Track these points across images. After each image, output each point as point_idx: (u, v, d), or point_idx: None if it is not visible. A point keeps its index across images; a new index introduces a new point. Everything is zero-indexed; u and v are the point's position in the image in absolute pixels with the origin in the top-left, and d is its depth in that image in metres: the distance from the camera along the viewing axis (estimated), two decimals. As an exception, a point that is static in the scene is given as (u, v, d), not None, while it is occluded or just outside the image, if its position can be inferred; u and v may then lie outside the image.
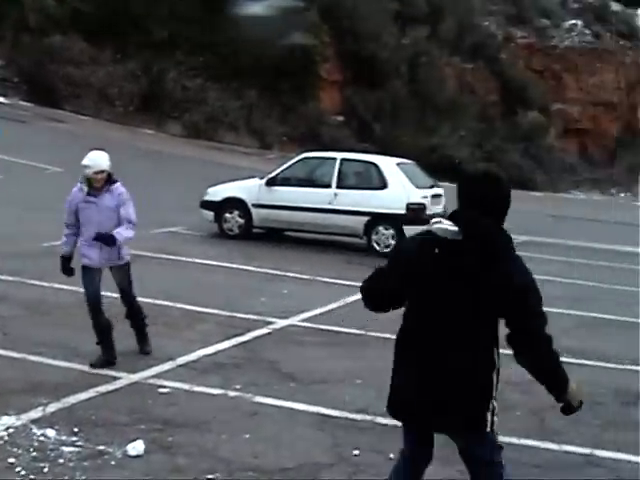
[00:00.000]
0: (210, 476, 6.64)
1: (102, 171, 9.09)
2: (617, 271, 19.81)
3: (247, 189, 19.23)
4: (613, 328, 13.26)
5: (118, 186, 9.26)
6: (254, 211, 18.91)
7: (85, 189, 9.15)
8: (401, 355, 5.07)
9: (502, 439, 7.61)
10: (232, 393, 8.63)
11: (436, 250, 4.88)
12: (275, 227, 19.33)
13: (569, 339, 11.86)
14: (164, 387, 8.67)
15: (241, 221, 18.98)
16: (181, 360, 9.59)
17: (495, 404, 4.98)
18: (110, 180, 9.22)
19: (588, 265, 20.36)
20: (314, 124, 43.38)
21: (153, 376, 9.01)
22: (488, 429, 4.99)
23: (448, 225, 4.86)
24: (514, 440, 7.72)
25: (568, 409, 5.06)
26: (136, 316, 9.83)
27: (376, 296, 5.19)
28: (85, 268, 9.33)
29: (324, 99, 46.96)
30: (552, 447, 7.71)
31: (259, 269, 15.49)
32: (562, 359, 4.71)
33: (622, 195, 62.02)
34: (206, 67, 41.04)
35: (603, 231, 30.02)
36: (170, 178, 27.37)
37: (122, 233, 9.05)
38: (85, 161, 9.11)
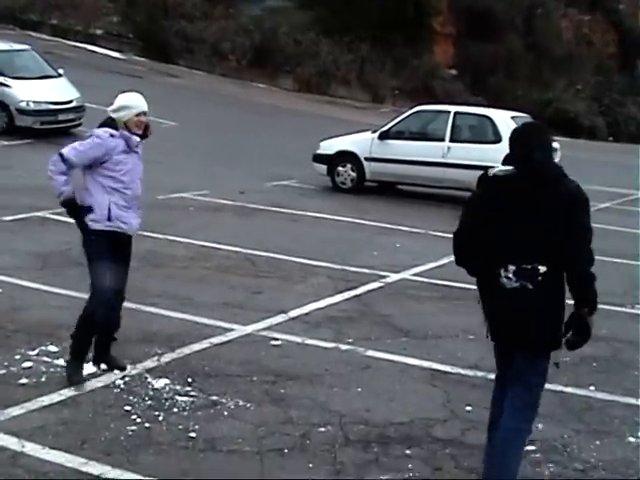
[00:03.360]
0: (322, 429, 6.65)
1: (145, 112, 7.50)
2: None
3: (360, 143, 19.16)
4: None
5: None
6: (366, 164, 18.84)
7: (134, 138, 7.40)
8: None
9: (618, 399, 7.52)
10: (344, 346, 8.63)
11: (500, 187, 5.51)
12: (387, 181, 19.23)
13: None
14: (276, 339, 8.71)
15: (353, 174, 18.93)
16: (293, 313, 9.62)
17: None
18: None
19: None
20: (427, 77, 42.94)
21: (265, 328, 9.06)
22: None
23: (503, 168, 5.54)
24: (631, 400, 7.66)
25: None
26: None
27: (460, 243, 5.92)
28: (109, 236, 7.39)
29: (437, 52, 46.45)
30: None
31: (371, 222, 15.44)
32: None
33: None
34: (318, 21, 40.90)
35: None
36: (282, 132, 27.44)
37: None
38: (123, 101, 7.42)
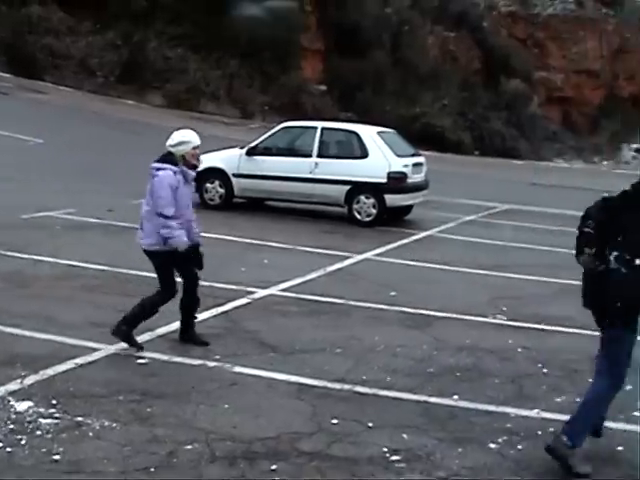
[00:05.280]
0: (188, 446, 6.63)
1: (199, 146, 8.93)
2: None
3: (228, 159, 19.14)
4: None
5: None
6: (235, 181, 18.84)
7: (188, 170, 8.89)
8: None
9: (480, 407, 7.72)
10: (211, 363, 8.62)
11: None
12: (256, 197, 19.27)
13: (548, 306, 11.95)
14: (143, 358, 8.64)
15: (222, 191, 18.90)
16: (160, 331, 9.54)
17: None
18: None
19: (568, 232, 20.35)
20: (296, 93, 43.24)
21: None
22: None
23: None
24: (492, 407, 7.79)
25: None
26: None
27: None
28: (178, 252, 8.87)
29: (306, 68, 46.84)
30: (530, 414, 7.72)
31: (240, 239, 15.45)
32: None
33: (605, 163, 62.17)
34: (187, 37, 40.77)
35: (584, 199, 30.07)
36: (151, 148, 27.11)
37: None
38: (181, 137, 8.86)
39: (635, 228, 6.48)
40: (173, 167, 8.74)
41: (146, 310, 9.00)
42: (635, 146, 65.76)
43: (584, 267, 6.72)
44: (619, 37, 70.35)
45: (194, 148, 8.85)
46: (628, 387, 8.57)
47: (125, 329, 8.86)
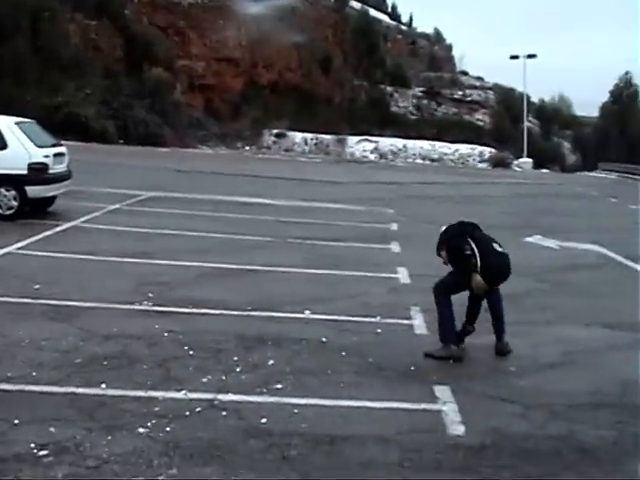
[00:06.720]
0: None
1: None
2: (238, 221, 20.46)
3: None
4: (233, 277, 13.68)
5: None
6: None
7: None
8: None
9: (129, 393, 7.80)
10: None
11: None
12: None
13: (194, 290, 12.20)
14: None
15: None
16: None
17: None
18: None
19: (213, 217, 20.83)
20: None
21: None
22: None
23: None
24: (140, 393, 7.86)
25: None
26: None
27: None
28: None
29: (-62, 57, 44.66)
30: (178, 396, 7.88)
31: None
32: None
33: (247, 148, 64.05)
34: None
35: (232, 183, 30.93)
36: None
37: None
38: None
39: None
40: None
41: None
42: (275, 131, 68.34)
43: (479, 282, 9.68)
44: (258, 27, 72.60)
45: None
46: (270, 362, 9.02)
47: None
